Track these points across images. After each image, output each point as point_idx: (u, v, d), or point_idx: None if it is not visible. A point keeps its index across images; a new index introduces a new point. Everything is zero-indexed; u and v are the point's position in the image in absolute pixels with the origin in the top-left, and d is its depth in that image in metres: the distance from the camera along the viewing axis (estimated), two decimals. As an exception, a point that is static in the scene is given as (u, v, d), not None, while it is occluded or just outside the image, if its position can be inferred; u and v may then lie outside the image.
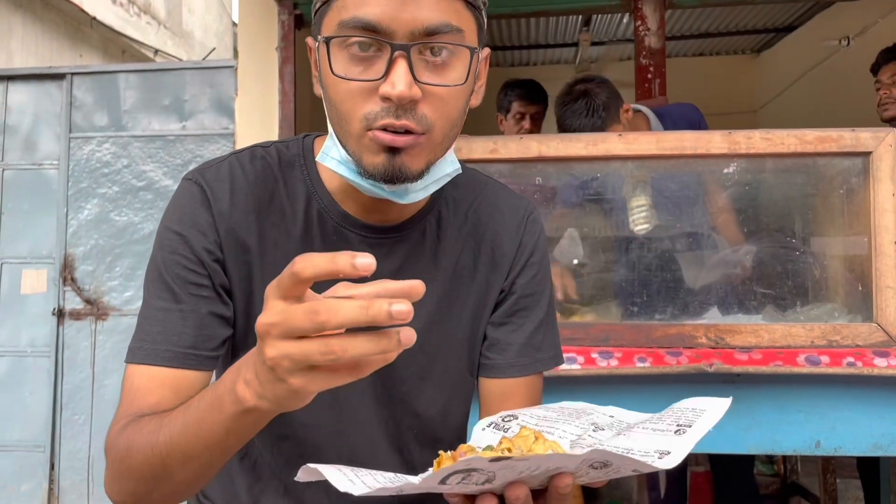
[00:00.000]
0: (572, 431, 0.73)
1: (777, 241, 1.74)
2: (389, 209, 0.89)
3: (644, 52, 3.37)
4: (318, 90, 0.85)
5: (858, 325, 1.56)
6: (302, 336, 0.55)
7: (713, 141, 1.60)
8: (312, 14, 0.82)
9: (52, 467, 3.81)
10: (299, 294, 0.57)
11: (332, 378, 0.57)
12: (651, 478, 2.76)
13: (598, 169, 1.74)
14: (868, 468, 2.75)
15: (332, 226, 0.90)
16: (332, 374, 0.57)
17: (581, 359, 1.52)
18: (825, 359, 1.48)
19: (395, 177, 0.79)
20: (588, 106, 2.10)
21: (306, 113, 3.59)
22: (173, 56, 7.50)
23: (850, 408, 1.51)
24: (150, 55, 7.21)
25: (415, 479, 0.59)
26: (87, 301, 3.87)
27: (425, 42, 0.76)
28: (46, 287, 3.89)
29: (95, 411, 3.83)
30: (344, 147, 0.82)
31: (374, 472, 0.63)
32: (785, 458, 3.33)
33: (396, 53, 0.75)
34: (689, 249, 1.75)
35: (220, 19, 8.72)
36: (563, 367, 1.51)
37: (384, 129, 0.77)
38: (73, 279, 3.89)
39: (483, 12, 0.84)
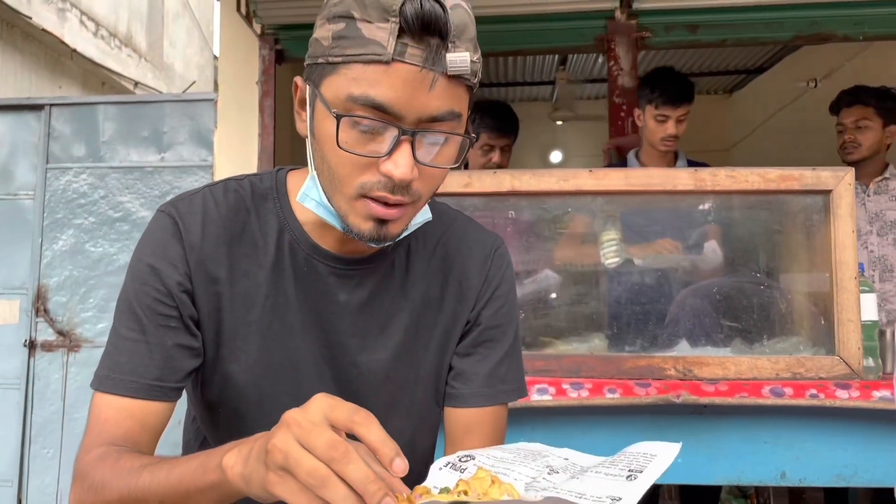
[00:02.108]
0: (527, 473, 0.73)
1: (744, 276, 1.78)
2: (359, 242, 0.92)
3: (617, 91, 3.46)
4: (303, 130, 0.87)
5: (822, 357, 1.60)
6: (310, 451, 0.60)
7: (680, 178, 1.65)
8: (309, 60, 0.83)
9: (20, 502, 3.73)
10: (340, 428, 0.62)
11: (296, 497, 0.60)
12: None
13: (570, 204, 1.78)
14: (835, 498, 2.78)
15: (304, 257, 0.92)
16: (299, 494, 0.60)
17: (552, 390, 1.54)
18: (789, 391, 1.51)
19: (379, 241, 0.83)
20: None
21: (286, 146, 3.63)
22: (154, 89, 7.53)
23: (813, 439, 1.54)
24: (131, 87, 7.23)
25: None
26: (60, 332, 3.83)
27: (429, 130, 0.79)
28: (18, 318, 3.84)
29: (65, 445, 3.76)
30: (328, 198, 0.84)
31: None
32: (758, 494, 3.35)
33: (403, 137, 0.77)
34: (658, 283, 1.79)
35: (201, 53, 8.77)
36: (535, 397, 1.53)
37: (376, 199, 0.80)
38: (45, 310, 3.85)
39: (475, 89, 0.86)
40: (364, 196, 0.81)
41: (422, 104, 0.77)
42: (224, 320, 0.90)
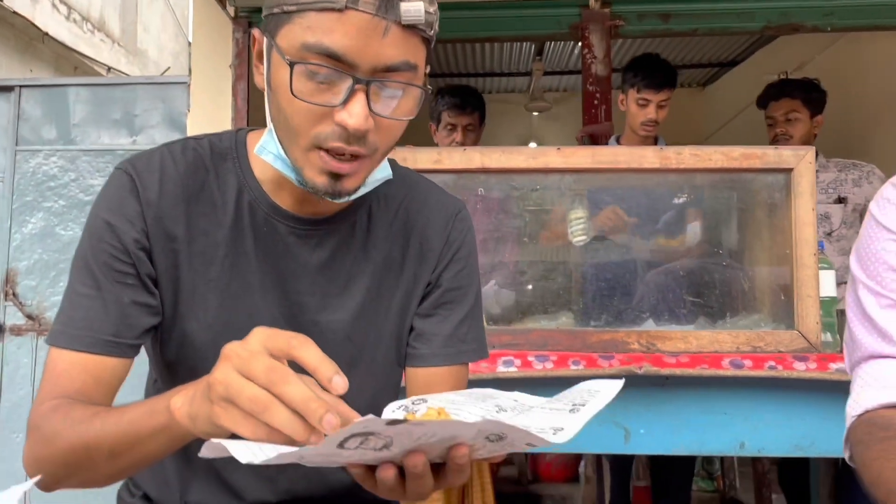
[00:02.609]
0: (476, 412, 0.75)
1: (707, 254, 1.82)
2: (320, 202, 0.92)
3: (591, 79, 3.48)
4: (260, 83, 0.88)
5: (781, 332, 1.64)
6: (251, 379, 0.61)
7: (646, 156, 1.68)
8: (266, 10, 0.83)
9: (-13, 487, 3.69)
10: (279, 356, 0.63)
11: (240, 425, 0.61)
12: (598, 491, 2.81)
13: (539, 182, 1.80)
14: (791, 482, 2.83)
15: (263, 217, 0.92)
16: (243, 422, 0.61)
17: (518, 362, 1.56)
18: (748, 363, 1.55)
19: (334, 195, 0.84)
20: None
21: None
22: (127, 74, 7.44)
23: (772, 411, 1.57)
24: (103, 72, 7.14)
25: (314, 446, 0.60)
26: (29, 316, 3.79)
27: (384, 80, 0.79)
28: (-14, 301, 3.79)
29: (34, 430, 3.72)
30: (284, 150, 0.85)
31: (278, 445, 0.64)
32: (724, 474, 3.41)
33: (357, 86, 0.78)
34: (624, 260, 1.82)
35: (175, 39, 8.68)
36: (501, 369, 1.56)
37: (330, 150, 0.80)
38: (14, 294, 3.80)
39: (432, 42, 0.87)
40: (319, 147, 0.81)
41: (375, 52, 0.77)
42: (182, 279, 0.90)
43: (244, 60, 3.48)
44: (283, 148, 0.85)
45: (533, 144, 7.00)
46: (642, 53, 2.79)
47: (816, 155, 2.75)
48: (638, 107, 2.53)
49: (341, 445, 0.59)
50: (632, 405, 1.58)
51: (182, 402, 0.68)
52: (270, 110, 0.86)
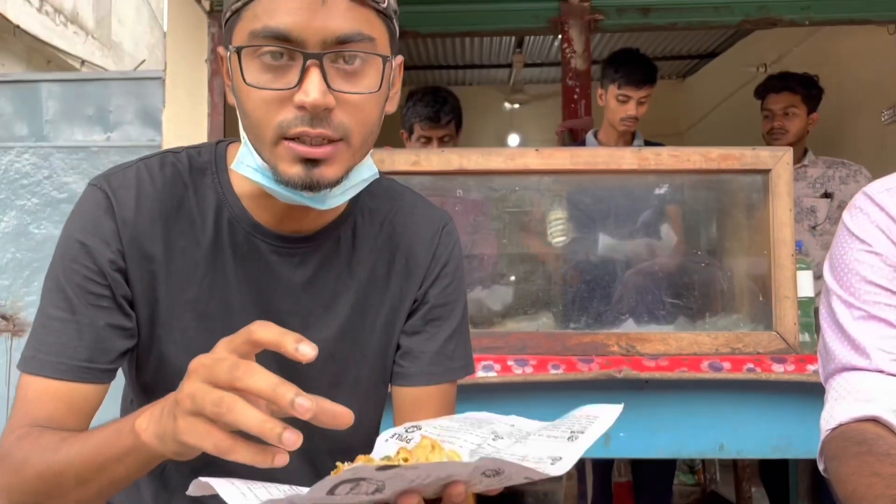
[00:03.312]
0: (472, 441, 0.74)
1: (686, 255, 1.81)
2: (303, 218, 0.89)
3: (570, 74, 3.47)
4: (231, 99, 0.85)
5: (759, 333, 1.64)
6: (216, 385, 0.59)
7: (624, 157, 1.67)
8: (223, 24, 0.82)
9: (-38, 491, 3.64)
10: (244, 353, 0.61)
11: (204, 438, 0.59)
12: (580, 488, 2.81)
13: (517, 183, 1.79)
14: (771, 477, 2.86)
15: (243, 234, 0.89)
16: (206, 435, 0.59)
17: (498, 366, 1.55)
18: (727, 365, 1.55)
19: (312, 185, 0.79)
20: None
21: (235, 125, 3.56)
22: (101, 67, 7.32)
23: (751, 413, 1.58)
24: (77, 66, 7.03)
25: (304, 491, 0.58)
26: (3, 317, 3.73)
27: (337, 51, 0.77)
28: (-42, 302, 3.73)
29: (10, 431, 3.67)
30: (259, 155, 0.82)
31: (267, 484, 0.63)
32: (705, 469, 3.43)
33: (309, 62, 0.75)
34: (603, 262, 1.81)
35: (151, 31, 8.56)
36: (481, 374, 1.54)
37: (299, 137, 0.77)
38: (-13, 294, 3.74)
39: (395, 21, 0.85)
40: (284, 138, 0.78)
41: (322, 25, 0.75)
42: (160, 300, 0.87)
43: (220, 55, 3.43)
44: (257, 153, 0.82)
45: (513, 136, 6.98)
46: (622, 48, 2.76)
47: (805, 151, 2.77)
48: (618, 103, 2.52)
49: (331, 492, 0.57)
50: (611, 408, 1.58)
51: (148, 422, 0.65)
52: (241, 120, 0.83)
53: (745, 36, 5.22)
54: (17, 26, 6.29)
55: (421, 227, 1.00)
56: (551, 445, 0.67)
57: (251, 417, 0.57)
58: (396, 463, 0.64)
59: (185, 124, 3.49)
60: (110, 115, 3.71)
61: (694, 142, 6.02)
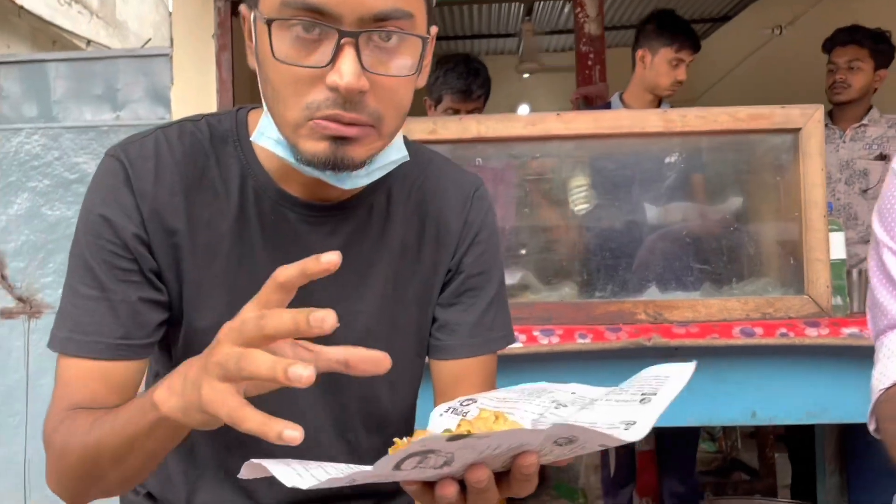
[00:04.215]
0: (533, 410, 0.70)
1: (713, 218, 1.77)
2: (332, 187, 0.84)
3: (584, 39, 3.40)
4: (252, 63, 0.81)
5: (791, 297, 1.60)
6: (248, 344, 0.56)
7: (649, 119, 1.62)
8: None
9: (-14, 472, 3.67)
10: (275, 303, 0.58)
11: (221, 405, 0.56)
12: (602, 457, 2.80)
13: (538, 149, 1.75)
14: (795, 442, 2.84)
15: (270, 204, 0.85)
16: (223, 402, 0.56)
17: (523, 337, 1.52)
18: (759, 330, 1.51)
19: (336, 165, 0.75)
20: None
21: (245, 101, 3.53)
22: (107, 47, 7.27)
23: (783, 378, 1.54)
24: (83, 46, 6.97)
25: (367, 468, 0.55)
26: (20, 299, 3.73)
27: (375, 30, 0.71)
28: (-26, 285, 3.73)
29: (31, 413, 3.69)
30: (279, 129, 0.78)
31: (324, 464, 0.60)
32: (726, 436, 3.42)
33: (344, 41, 0.70)
34: (628, 228, 1.77)
35: (155, 9, 8.48)
36: (516, 342, 1.52)
37: (327, 120, 0.73)
38: (3, 277, 3.74)
39: None
40: (311, 119, 0.73)
41: (359, 3, 0.70)
42: (185, 275, 0.84)
43: (227, 30, 3.38)
44: (278, 128, 0.78)
45: (524, 107, 6.90)
46: (662, 9, 2.65)
47: (869, 109, 2.69)
48: (670, 67, 2.41)
49: (398, 467, 0.54)
50: (640, 377, 1.55)
51: (168, 394, 0.62)
52: (262, 89, 0.79)
53: (758, -2, 5.12)
54: (22, 7, 6.24)
55: (451, 192, 0.95)
56: (622, 410, 0.62)
57: (263, 362, 0.54)
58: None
59: (194, 101, 3.45)
60: (119, 93, 3.67)
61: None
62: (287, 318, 0.54)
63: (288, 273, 0.57)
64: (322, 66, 0.71)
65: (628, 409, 0.62)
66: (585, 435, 0.56)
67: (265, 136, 0.80)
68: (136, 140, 0.85)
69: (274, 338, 0.56)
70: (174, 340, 0.87)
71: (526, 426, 0.66)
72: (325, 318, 0.53)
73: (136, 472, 0.73)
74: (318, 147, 0.74)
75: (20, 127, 3.71)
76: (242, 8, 0.80)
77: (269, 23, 0.71)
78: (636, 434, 0.58)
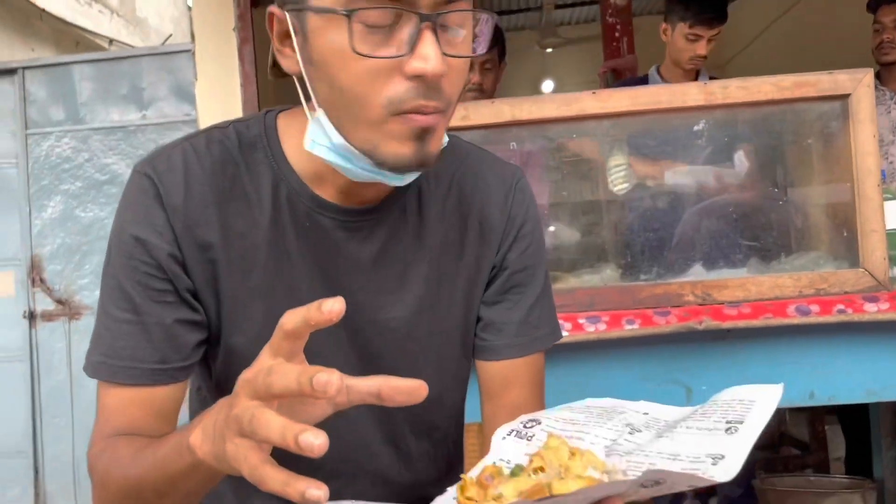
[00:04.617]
0: (605, 435, 0.65)
1: (759, 192, 1.71)
2: (367, 190, 0.82)
3: (610, 10, 3.32)
4: (291, 67, 0.76)
5: (845, 271, 1.54)
6: (259, 398, 0.54)
7: (689, 93, 1.56)
8: None
9: (37, 472, 3.75)
10: (287, 351, 0.56)
11: (243, 463, 0.53)
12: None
13: (574, 130, 1.69)
14: (848, 415, 2.76)
15: (304, 211, 0.82)
16: (245, 459, 0.53)
17: (568, 325, 1.48)
18: (815, 308, 1.45)
19: (421, 165, 0.73)
20: None
21: (269, 94, 3.50)
22: (129, 45, 7.30)
23: (841, 355, 1.49)
24: (105, 45, 7.01)
25: None
26: (59, 301, 3.78)
27: (449, 11, 0.69)
28: (14, 290, 3.79)
29: (76, 413, 3.76)
30: (344, 134, 0.73)
31: None
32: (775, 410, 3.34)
33: (424, 25, 0.67)
34: (670, 207, 1.71)
35: (174, 4, 8.49)
36: (563, 337, 1.48)
37: (410, 113, 0.70)
38: (42, 280, 3.79)
39: None
40: (395, 115, 0.70)
41: None
42: (222, 289, 0.81)
43: (247, 23, 3.34)
44: (341, 134, 0.73)
45: (548, 83, 6.79)
46: None
47: None
48: (687, 42, 2.35)
49: None
50: (691, 361, 1.50)
51: (202, 439, 0.60)
52: (317, 92, 0.74)
53: (789, -44, 4.95)
54: (44, 10, 6.29)
55: (492, 186, 0.92)
56: (706, 441, 0.58)
57: (272, 427, 0.51)
58: (532, 474, 0.57)
59: (218, 96, 3.43)
60: (144, 92, 3.68)
61: (738, 73, 5.79)
62: (292, 378, 0.52)
63: (293, 322, 0.55)
64: (402, 56, 0.68)
65: (713, 440, 0.57)
66: (673, 478, 0.52)
67: (317, 143, 0.76)
68: (163, 153, 0.82)
69: (283, 397, 0.54)
70: (213, 357, 0.85)
71: (599, 454, 0.62)
72: (330, 382, 0.50)
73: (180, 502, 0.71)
74: (402, 149, 0.71)
75: (49, 131, 3.74)
76: (273, 9, 0.75)
77: (349, 14, 0.67)
78: (726, 472, 0.53)
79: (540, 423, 0.69)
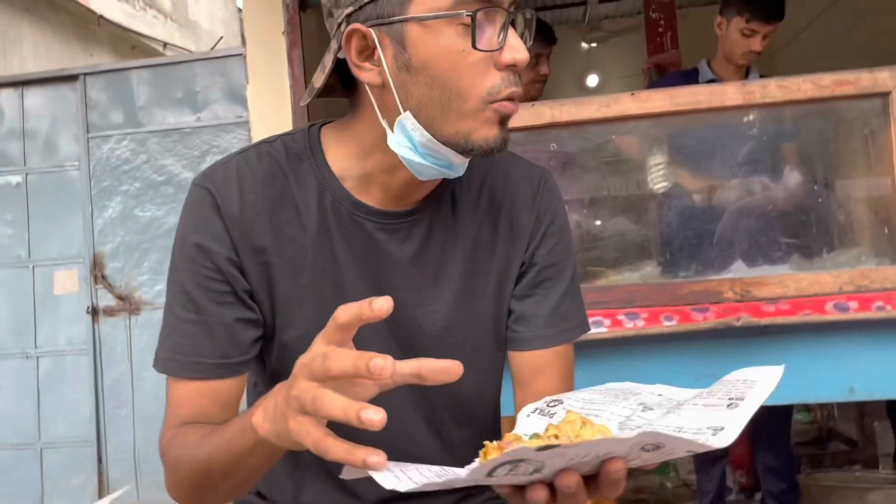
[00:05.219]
0: (620, 413, 0.71)
1: (800, 190, 1.72)
2: (411, 194, 0.90)
3: (653, 6, 3.32)
4: (373, 79, 0.82)
5: (886, 268, 1.54)
6: (317, 380, 0.61)
7: (728, 93, 1.58)
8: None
9: (100, 460, 3.92)
10: (339, 341, 0.63)
11: (308, 437, 0.61)
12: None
13: (614, 130, 1.73)
14: (896, 410, 2.73)
15: (348, 215, 0.90)
16: (309, 434, 0.61)
17: (607, 321, 1.52)
18: (854, 304, 1.47)
19: (503, 145, 0.83)
20: None
21: (319, 101, 3.59)
22: (182, 48, 7.52)
23: (882, 351, 1.50)
24: (160, 49, 7.23)
25: (462, 472, 0.59)
26: (120, 297, 3.94)
27: (520, 9, 0.80)
28: (78, 286, 3.97)
29: (137, 404, 3.92)
30: (435, 130, 0.81)
31: (420, 466, 0.63)
32: (821, 405, 3.32)
33: (510, 20, 0.78)
34: (709, 204, 1.74)
35: (225, 7, 8.70)
36: (590, 330, 1.52)
37: (508, 98, 0.80)
38: (103, 277, 3.96)
39: None
40: (490, 103, 0.80)
41: None
42: (276, 290, 0.89)
43: (296, 26, 3.44)
44: (430, 130, 0.82)
45: (593, 77, 6.77)
46: None
47: None
48: (742, 37, 2.32)
49: (490, 474, 0.57)
50: (730, 356, 1.53)
51: (263, 419, 0.68)
52: (410, 96, 0.81)
53: (839, -55, 4.85)
54: (101, 16, 6.51)
55: (520, 186, 0.98)
56: (709, 415, 0.63)
57: (336, 405, 0.58)
58: (549, 440, 0.63)
59: (269, 99, 3.54)
60: (198, 95, 3.82)
61: (787, 64, 5.68)
62: (349, 362, 0.59)
63: (347, 316, 0.62)
64: (497, 49, 0.78)
65: (716, 414, 0.63)
66: (672, 442, 0.58)
67: (403, 146, 0.83)
68: (218, 167, 0.90)
69: (339, 378, 0.61)
70: (268, 353, 0.92)
71: (612, 429, 0.68)
72: (385, 366, 0.58)
73: (244, 483, 0.80)
74: (492, 132, 0.81)
75: (109, 134, 3.91)
76: (360, 27, 0.81)
77: (473, 15, 0.77)
78: (724, 440, 0.59)
79: (562, 403, 0.75)
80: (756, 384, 0.65)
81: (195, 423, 0.84)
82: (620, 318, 1.53)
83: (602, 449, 0.58)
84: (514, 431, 0.74)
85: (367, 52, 0.82)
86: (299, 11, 3.43)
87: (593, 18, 5.89)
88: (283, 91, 3.48)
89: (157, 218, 3.89)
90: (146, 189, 3.90)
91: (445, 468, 0.63)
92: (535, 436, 0.68)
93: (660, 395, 0.73)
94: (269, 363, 0.93)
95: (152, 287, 3.88)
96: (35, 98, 4.01)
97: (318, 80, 0.88)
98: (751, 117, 1.66)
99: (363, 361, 0.58)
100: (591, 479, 0.63)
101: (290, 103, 3.46)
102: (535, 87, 2.53)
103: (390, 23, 0.79)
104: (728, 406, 0.63)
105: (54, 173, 3.99)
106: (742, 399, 0.63)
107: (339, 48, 0.83)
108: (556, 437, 0.65)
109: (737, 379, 0.68)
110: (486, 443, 0.67)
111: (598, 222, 1.80)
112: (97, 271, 3.95)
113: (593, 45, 6.38)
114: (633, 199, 1.82)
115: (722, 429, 0.60)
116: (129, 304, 3.93)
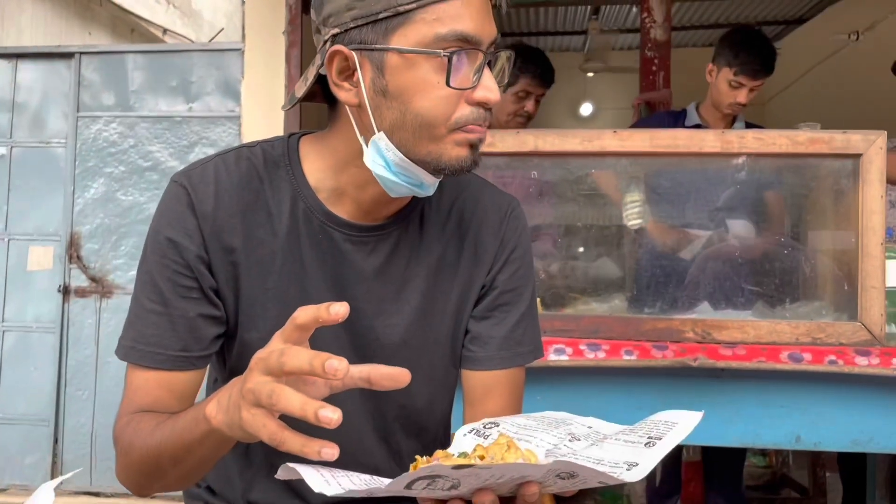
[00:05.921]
0: (549, 441, 0.75)
1: (767, 240, 1.77)
2: (378, 210, 0.93)
3: (649, 45, 3.38)
4: (350, 99, 0.86)
5: (843, 323, 1.59)
6: (272, 375, 0.64)
7: (706, 140, 1.63)
8: (357, 21, 0.82)
9: (56, 441, 3.88)
10: (296, 340, 0.66)
11: (262, 429, 0.64)
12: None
13: (593, 164, 1.77)
14: (848, 463, 2.78)
15: (318, 224, 0.93)
16: (264, 426, 0.64)
17: (570, 350, 1.55)
18: (808, 356, 1.51)
19: (473, 166, 0.87)
20: None
21: (311, 107, 3.61)
22: (182, 36, 7.51)
23: (830, 404, 1.54)
24: (160, 34, 7.21)
25: (384, 483, 0.63)
26: (93, 279, 3.92)
27: (497, 52, 0.86)
28: (52, 264, 3.94)
29: (99, 387, 3.89)
30: (407, 150, 0.85)
31: (350, 473, 0.67)
32: (777, 451, 3.37)
33: (484, 62, 0.83)
34: (680, 246, 1.78)
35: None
36: (552, 357, 1.55)
37: (474, 124, 0.85)
38: (78, 257, 3.93)
39: None
40: (453, 130, 0.84)
41: (490, 29, 0.83)
42: (241, 289, 0.92)
43: (297, 27, 3.46)
44: (402, 150, 0.85)
45: (587, 105, 6.85)
46: (742, 26, 2.59)
47: None
48: (730, 88, 2.35)
49: (409, 486, 0.60)
50: (685, 396, 1.56)
51: (217, 409, 0.71)
52: (383, 118, 0.85)
53: (836, 1, 4.96)
54: (104, -4, 6.49)
55: (489, 212, 1.02)
56: (628, 451, 0.67)
57: (293, 401, 0.61)
58: (471, 461, 0.66)
59: (262, 95, 3.56)
60: (192, 85, 3.82)
61: (777, 112, 5.79)
62: (305, 360, 0.62)
63: (305, 317, 0.65)
64: (470, 87, 0.83)
65: (634, 451, 0.67)
66: (585, 472, 0.62)
67: (375, 163, 0.87)
68: (197, 166, 0.93)
69: (292, 374, 0.64)
70: (229, 350, 0.95)
71: (539, 455, 0.71)
72: (340, 368, 0.61)
73: (193, 472, 0.83)
74: (462, 153, 0.86)
75: (99, 115, 3.89)
76: (338, 48, 0.84)
77: (449, 57, 0.81)
78: (636, 475, 0.64)
79: (498, 426, 0.78)
80: (675, 426, 0.69)
81: (150, 411, 0.86)
82: (583, 347, 1.56)
83: (517, 472, 0.62)
84: (448, 449, 0.77)
85: (348, 72, 0.85)
86: (302, 13, 3.46)
87: (593, 49, 5.97)
88: (277, 89, 3.50)
89: (139, 203, 3.88)
90: (130, 173, 3.88)
91: (374, 477, 0.67)
92: (464, 454, 0.71)
93: (589, 427, 0.76)
94: (230, 360, 0.95)
95: (126, 272, 3.86)
96: (28, 72, 3.99)
97: (300, 90, 0.91)
98: (728, 165, 1.70)
99: (319, 361, 0.61)
100: (510, 500, 0.67)
101: (282, 102, 3.47)
102: (517, 120, 2.57)
103: (372, 49, 0.83)
104: (646, 445, 0.67)
105: (40, 149, 3.96)
106: (660, 439, 0.68)
107: (322, 64, 0.86)
108: (482, 457, 0.68)
109: (659, 420, 0.73)
110: (417, 457, 0.70)
111: (571, 251, 1.84)
112: (73, 251, 3.92)
113: (591, 74, 6.46)
114: (606, 232, 1.86)
115: (636, 465, 0.64)
116: (101, 287, 3.90)
